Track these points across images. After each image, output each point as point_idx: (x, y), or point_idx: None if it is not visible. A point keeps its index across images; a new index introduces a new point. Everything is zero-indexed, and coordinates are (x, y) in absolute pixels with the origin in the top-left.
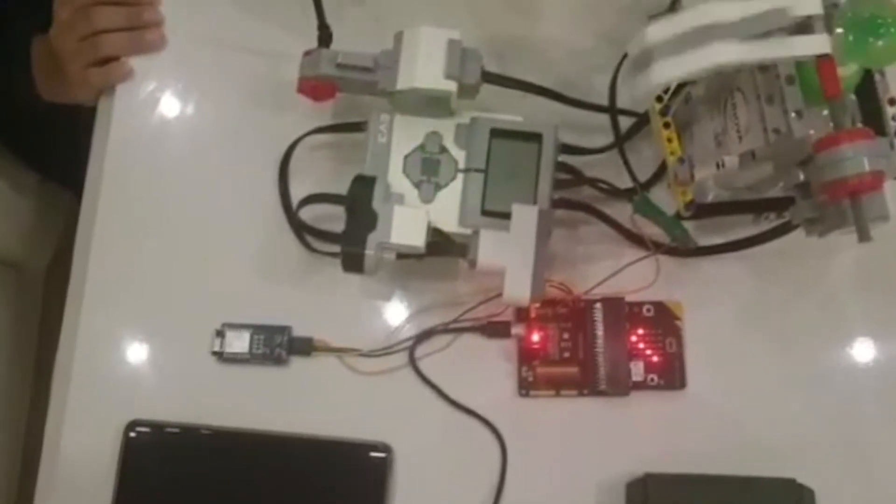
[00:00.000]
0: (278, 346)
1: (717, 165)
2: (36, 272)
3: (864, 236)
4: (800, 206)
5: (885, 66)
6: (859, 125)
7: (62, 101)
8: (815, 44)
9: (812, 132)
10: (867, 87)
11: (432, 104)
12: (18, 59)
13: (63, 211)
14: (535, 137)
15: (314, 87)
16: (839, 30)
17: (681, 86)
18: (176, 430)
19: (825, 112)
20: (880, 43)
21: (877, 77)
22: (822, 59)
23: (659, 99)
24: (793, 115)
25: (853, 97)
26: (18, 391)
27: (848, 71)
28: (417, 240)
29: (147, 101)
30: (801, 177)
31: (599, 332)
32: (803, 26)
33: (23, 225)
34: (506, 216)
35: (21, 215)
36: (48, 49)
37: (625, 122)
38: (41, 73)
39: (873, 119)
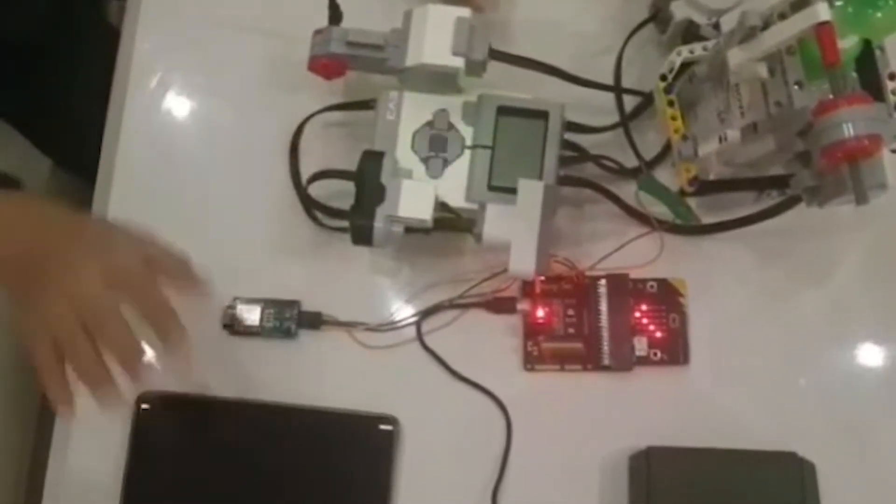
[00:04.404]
0: (288, 319)
1: (720, 139)
2: None
3: (861, 199)
4: (800, 176)
5: (884, 37)
6: None
7: None
8: (815, 13)
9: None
10: (868, 63)
11: (440, 81)
12: None
13: (77, 197)
14: (542, 115)
15: (325, 66)
16: (839, 2)
17: (685, 65)
18: (187, 401)
19: (825, 86)
20: (879, 14)
21: (877, 52)
22: (821, 26)
23: (663, 78)
24: (794, 86)
25: (854, 74)
26: (32, 377)
27: (847, 43)
28: (425, 213)
29: (160, 81)
30: (801, 146)
31: (604, 307)
32: (800, 2)
33: None
34: (512, 191)
35: None
36: None
37: (630, 103)
38: None
39: (874, 94)
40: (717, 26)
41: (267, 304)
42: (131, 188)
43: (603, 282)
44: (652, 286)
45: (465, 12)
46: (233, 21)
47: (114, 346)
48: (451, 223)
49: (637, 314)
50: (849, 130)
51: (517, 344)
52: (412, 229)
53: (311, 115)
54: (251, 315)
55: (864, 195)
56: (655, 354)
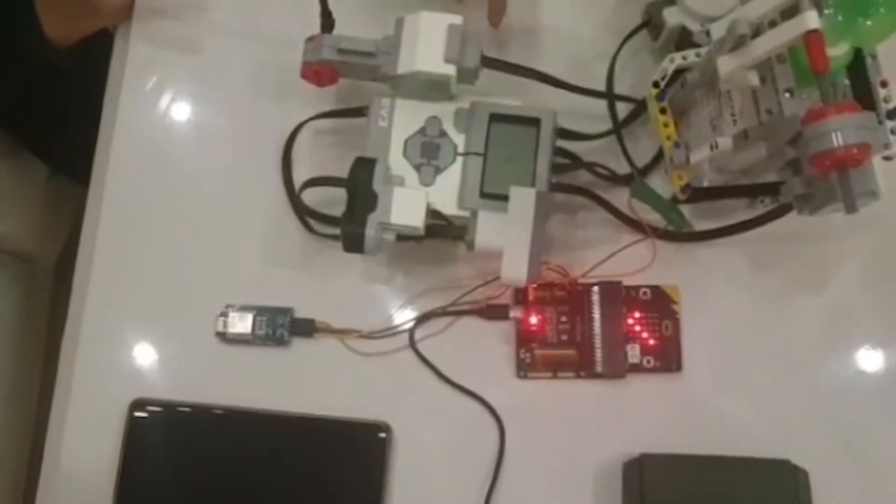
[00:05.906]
0: (281, 327)
1: (711, 147)
2: (46, 265)
3: (850, 208)
4: (791, 183)
5: (874, 45)
6: None
7: (74, 35)
8: (804, 21)
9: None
10: (859, 71)
11: (432, 88)
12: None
13: (73, 204)
14: (534, 122)
15: (317, 73)
16: (828, 10)
17: (678, 71)
18: (180, 409)
19: (816, 94)
20: (869, 22)
21: (868, 60)
22: (810, 34)
23: (655, 84)
24: (785, 94)
25: (846, 81)
26: (27, 383)
27: (839, 51)
28: (416, 220)
29: (153, 87)
30: (792, 154)
31: (596, 315)
32: (790, 10)
33: (33, 218)
34: (504, 198)
35: (31, 209)
36: None
37: (623, 110)
38: (47, 6)
39: (866, 101)
40: (710, 33)
41: (259, 311)
42: (124, 195)
43: (596, 289)
44: (645, 293)
45: (457, 19)
46: (226, 28)
47: None
48: (443, 231)
49: (630, 321)
50: (837, 139)
51: (510, 351)
52: (404, 237)
53: (304, 122)
54: (243, 323)
55: (854, 204)
56: (648, 361)
